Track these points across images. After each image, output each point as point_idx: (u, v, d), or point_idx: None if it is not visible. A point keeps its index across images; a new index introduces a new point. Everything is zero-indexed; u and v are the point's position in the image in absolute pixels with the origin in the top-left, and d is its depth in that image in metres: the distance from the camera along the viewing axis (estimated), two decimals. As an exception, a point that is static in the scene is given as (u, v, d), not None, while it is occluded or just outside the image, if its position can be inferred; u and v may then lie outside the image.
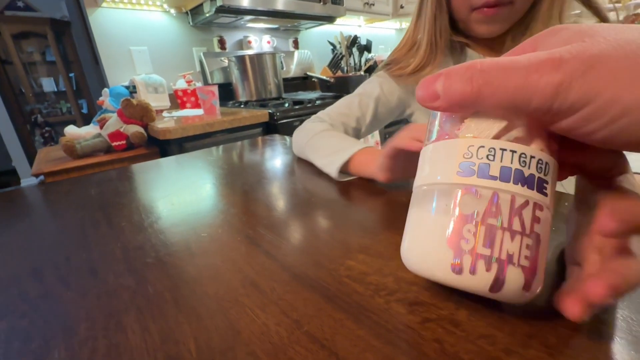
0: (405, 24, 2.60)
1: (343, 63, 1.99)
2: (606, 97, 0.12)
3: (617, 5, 1.89)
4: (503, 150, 0.15)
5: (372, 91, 0.56)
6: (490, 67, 0.14)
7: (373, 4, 1.99)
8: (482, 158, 0.16)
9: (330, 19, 1.77)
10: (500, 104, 0.14)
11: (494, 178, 0.15)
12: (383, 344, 0.17)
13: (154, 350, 0.17)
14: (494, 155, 0.15)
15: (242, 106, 1.45)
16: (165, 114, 1.32)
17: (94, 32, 1.32)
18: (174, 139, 1.01)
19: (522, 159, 0.15)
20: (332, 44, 2.07)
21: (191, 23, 1.53)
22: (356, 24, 2.32)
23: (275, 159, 0.56)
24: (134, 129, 1.05)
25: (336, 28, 2.12)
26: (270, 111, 1.23)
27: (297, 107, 1.31)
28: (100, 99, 1.26)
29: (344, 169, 0.40)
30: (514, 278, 0.15)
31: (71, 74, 2.79)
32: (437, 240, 0.16)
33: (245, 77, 1.48)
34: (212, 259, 0.25)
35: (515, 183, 0.15)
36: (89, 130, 1.13)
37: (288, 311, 0.19)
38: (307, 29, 2.01)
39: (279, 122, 1.22)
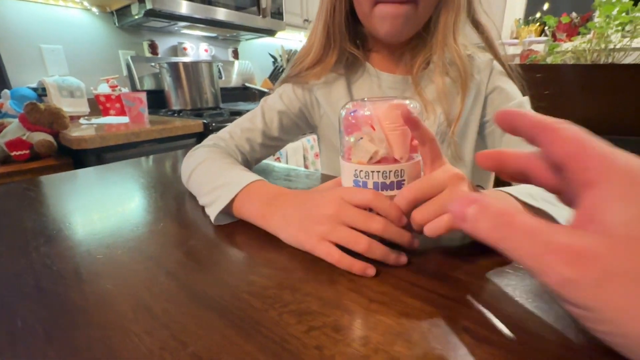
0: (345, 42, 2.74)
1: (284, 75, 2.02)
2: (610, 316, 0.12)
3: (512, 40, 2.23)
4: (372, 172, 0.25)
5: (274, 104, 0.54)
6: (519, 225, 0.14)
7: (312, 21, 2.07)
8: (363, 177, 0.26)
9: (270, 32, 1.79)
10: (510, 255, 0.15)
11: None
12: (268, 356, 0.17)
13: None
14: (368, 175, 0.25)
15: (175, 115, 1.38)
16: (83, 120, 1.19)
17: (-7, 25, 1.15)
18: (91, 149, 0.91)
19: (384, 174, 0.25)
20: (273, 56, 2.09)
21: (117, 24, 1.42)
22: (298, 38, 2.38)
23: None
24: (39, 137, 0.92)
25: (278, 41, 2.15)
26: (205, 121, 1.19)
27: (234, 117, 1.29)
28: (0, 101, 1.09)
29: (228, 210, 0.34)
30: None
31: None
32: None
33: (179, 84, 1.41)
34: (102, 284, 0.23)
35: (383, 190, 0.25)
36: (-19, 138, 0.97)
37: (177, 333, 0.19)
38: (247, 40, 2.00)
39: (214, 132, 1.19)
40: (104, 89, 1.31)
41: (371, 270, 0.23)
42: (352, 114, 0.26)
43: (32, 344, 0.18)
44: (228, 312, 0.20)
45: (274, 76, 1.98)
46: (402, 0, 0.41)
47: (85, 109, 1.26)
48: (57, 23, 1.28)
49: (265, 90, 1.64)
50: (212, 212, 0.33)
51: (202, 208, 0.36)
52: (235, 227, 0.33)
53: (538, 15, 2.30)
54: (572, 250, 0.13)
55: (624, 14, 1.71)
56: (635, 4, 1.85)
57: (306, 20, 2.02)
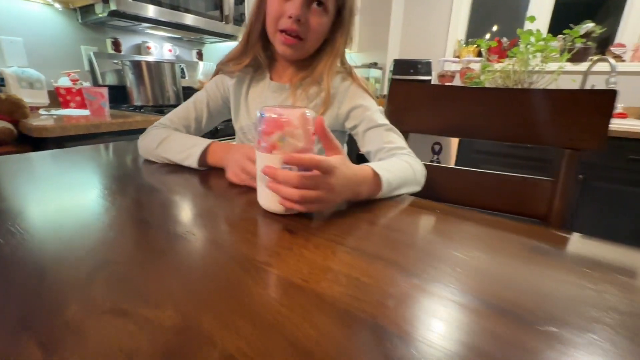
0: (309, 50, 2.91)
1: (247, 79, 2.13)
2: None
3: (454, 58, 2.49)
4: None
5: (202, 96, 0.71)
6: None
7: (276, 30, 2.21)
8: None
9: (233, 37, 1.90)
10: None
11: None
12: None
13: None
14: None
15: (137, 110, 1.45)
16: (42, 111, 1.23)
17: (-51, 14, 1.16)
18: (51, 138, 0.98)
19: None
20: (237, 59, 2.20)
21: (80, 21, 1.47)
22: (262, 44, 2.50)
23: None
24: (0, 124, 0.98)
25: (242, 46, 2.26)
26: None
27: (194, 115, 1.39)
28: (-46, 89, 1.11)
29: (202, 162, 0.54)
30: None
31: None
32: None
33: (141, 82, 1.49)
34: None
35: (301, 170, 0.37)
36: (-64, 123, 1.00)
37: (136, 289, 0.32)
38: (211, 42, 2.09)
39: (174, 128, 1.28)
40: (64, 82, 1.35)
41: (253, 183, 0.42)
42: (272, 116, 0.37)
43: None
44: (179, 259, 0.34)
45: (237, 78, 2.09)
46: (293, 37, 0.58)
47: (45, 100, 1.30)
48: (17, 16, 1.31)
49: (227, 91, 1.74)
50: (192, 161, 0.55)
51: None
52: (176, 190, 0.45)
53: (488, 36, 2.62)
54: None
55: (540, 43, 2.02)
56: (554, 34, 2.18)
57: (269, 28, 2.16)
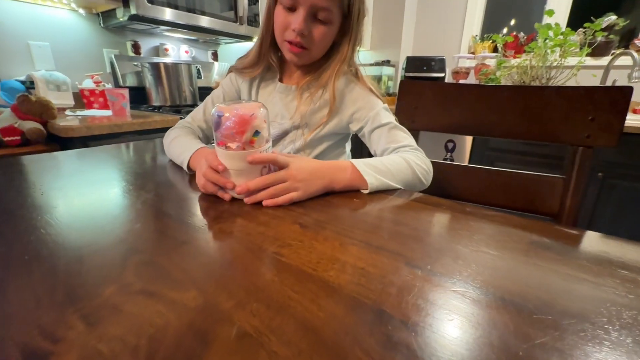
0: (321, 48, 2.92)
1: (260, 78, 2.17)
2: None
3: (469, 54, 2.45)
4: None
5: (219, 92, 0.76)
6: None
7: (288, 29, 2.23)
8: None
9: (247, 38, 1.94)
10: None
11: None
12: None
13: None
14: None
15: (155, 111, 1.50)
16: (68, 112, 1.30)
17: (-16, 22, 1.24)
18: (77, 137, 1.04)
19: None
20: (251, 59, 2.24)
21: (102, 25, 1.54)
22: (275, 43, 2.53)
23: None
24: (30, 125, 1.04)
25: (255, 45, 2.30)
26: (182, 117, 1.33)
27: (210, 115, 1.43)
28: (-11, 92, 1.19)
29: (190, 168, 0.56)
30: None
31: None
32: None
33: (160, 83, 1.54)
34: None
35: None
36: (-26, 124, 1.07)
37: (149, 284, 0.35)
38: (226, 43, 2.14)
39: (190, 127, 1.33)
40: (88, 84, 1.42)
41: (224, 195, 0.45)
42: (243, 114, 0.40)
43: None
44: (207, 262, 0.37)
45: (251, 78, 2.13)
46: (298, 47, 0.60)
47: (71, 101, 1.37)
48: (45, 22, 1.38)
49: (241, 91, 1.78)
50: (185, 167, 0.56)
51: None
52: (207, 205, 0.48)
53: (505, 30, 2.57)
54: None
55: (559, 37, 1.97)
56: (574, 28, 2.12)
57: (282, 27, 2.18)
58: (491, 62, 2.39)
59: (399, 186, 0.52)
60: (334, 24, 0.60)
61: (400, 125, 0.64)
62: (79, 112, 1.30)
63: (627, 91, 0.60)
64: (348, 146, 0.78)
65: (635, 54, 1.70)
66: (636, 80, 1.66)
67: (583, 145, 0.65)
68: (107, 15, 1.49)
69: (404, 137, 0.62)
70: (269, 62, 0.69)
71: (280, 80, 0.71)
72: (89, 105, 1.41)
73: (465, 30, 2.54)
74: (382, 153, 0.62)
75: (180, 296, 0.25)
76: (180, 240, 0.34)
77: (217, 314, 0.23)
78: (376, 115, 0.64)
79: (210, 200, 0.45)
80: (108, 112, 1.31)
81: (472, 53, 2.55)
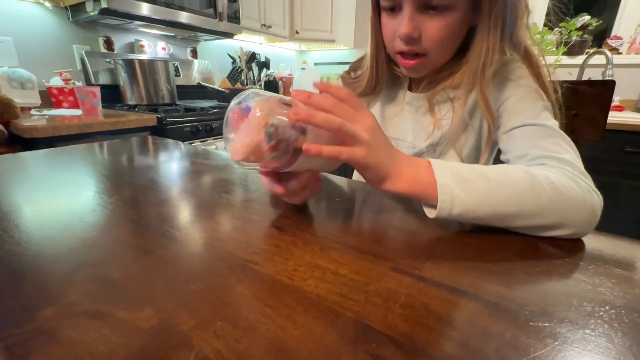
0: (305, 46, 2.89)
1: (243, 76, 2.12)
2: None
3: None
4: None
5: None
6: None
7: (270, 27, 2.19)
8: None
9: (228, 35, 1.89)
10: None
11: None
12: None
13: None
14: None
15: (130, 110, 1.43)
16: (34, 112, 1.22)
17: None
18: (42, 138, 0.97)
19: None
20: (232, 57, 2.19)
21: (71, 19, 1.45)
22: (258, 41, 2.49)
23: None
24: (-10, 125, 0.96)
25: (237, 42, 2.24)
26: (159, 116, 1.27)
27: (189, 113, 1.38)
28: (-57, 90, 1.10)
29: None
30: None
31: None
32: None
33: (135, 81, 1.47)
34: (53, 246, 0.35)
35: None
36: None
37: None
38: (206, 40, 2.07)
39: (168, 127, 1.27)
40: (56, 82, 1.34)
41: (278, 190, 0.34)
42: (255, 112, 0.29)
43: (9, 236, 0.29)
44: (181, 267, 0.33)
45: (233, 76, 2.08)
46: (411, 57, 0.47)
47: (37, 100, 1.28)
48: (6, 15, 1.29)
49: (222, 89, 1.73)
50: None
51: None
52: (185, 200, 0.44)
53: None
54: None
55: (537, 36, 2.01)
56: (551, 28, 2.17)
57: (264, 25, 2.14)
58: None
59: (507, 226, 0.33)
60: (458, 7, 0.42)
61: (564, 134, 0.41)
62: (46, 112, 1.22)
63: (611, 85, 0.60)
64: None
65: (609, 53, 1.75)
66: (609, 78, 1.71)
67: (567, 140, 0.65)
68: (76, 9, 1.41)
69: (564, 148, 0.39)
70: (391, 77, 0.56)
71: (409, 88, 0.57)
72: (58, 105, 1.33)
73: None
74: (515, 160, 0.42)
75: (132, 316, 0.21)
76: (142, 250, 0.30)
77: (173, 337, 0.20)
78: (525, 110, 0.43)
79: (182, 204, 0.41)
80: (78, 112, 1.23)
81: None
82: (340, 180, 0.51)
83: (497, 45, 0.44)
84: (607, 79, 1.72)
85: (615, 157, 1.49)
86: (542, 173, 0.34)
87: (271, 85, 2.40)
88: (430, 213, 0.33)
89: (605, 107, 0.60)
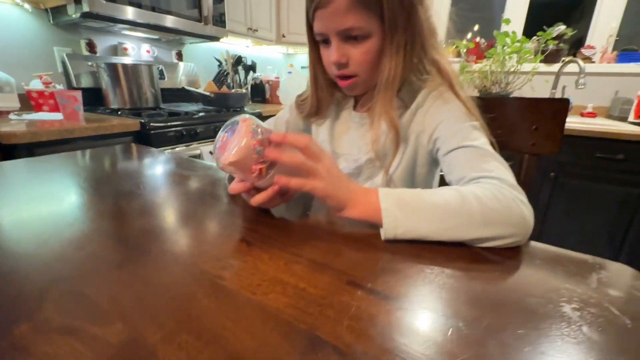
0: (292, 49, 2.91)
1: (229, 79, 2.12)
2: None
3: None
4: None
5: (284, 115, 0.71)
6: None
7: (256, 30, 2.20)
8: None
9: (213, 38, 1.89)
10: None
11: None
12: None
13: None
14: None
15: (113, 113, 1.42)
16: (12, 116, 1.20)
17: None
18: (22, 144, 0.96)
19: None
20: (218, 60, 2.19)
21: (52, 21, 1.43)
22: (244, 44, 2.49)
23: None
24: (-34, 131, 0.95)
25: (223, 45, 2.24)
26: (142, 121, 1.27)
27: (173, 117, 1.38)
28: None
29: None
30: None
31: None
32: None
33: (118, 84, 1.46)
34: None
35: None
36: None
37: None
38: (191, 43, 2.07)
39: (151, 132, 1.27)
40: (36, 85, 1.32)
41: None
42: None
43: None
44: (167, 289, 0.34)
45: (218, 79, 2.08)
46: (346, 79, 0.54)
47: (15, 104, 1.26)
48: (-16, 16, 1.27)
49: (207, 93, 1.73)
50: None
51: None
52: (168, 215, 0.46)
53: (469, 35, 2.67)
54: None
55: (516, 44, 2.08)
56: (529, 36, 2.24)
57: (250, 28, 2.15)
58: (456, 67, 2.49)
59: (449, 239, 0.37)
60: (374, 35, 0.49)
61: (490, 150, 0.46)
62: (25, 116, 1.20)
63: (566, 102, 0.64)
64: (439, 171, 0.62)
65: (581, 62, 1.84)
66: (582, 87, 1.79)
67: (529, 153, 0.69)
68: (57, 11, 1.39)
69: (494, 165, 0.43)
70: (336, 99, 0.64)
71: (355, 107, 0.63)
72: (38, 108, 1.31)
73: (430, 36, 2.63)
74: (457, 184, 0.47)
75: (103, 331, 0.23)
76: (115, 264, 0.32)
77: (141, 350, 0.22)
78: (458, 133, 0.48)
79: (158, 217, 0.43)
80: (59, 116, 1.22)
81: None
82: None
83: (400, 66, 0.50)
84: (578, 88, 1.80)
85: (587, 162, 1.56)
86: (469, 189, 0.39)
87: (258, 89, 2.41)
88: (382, 234, 0.38)
89: (562, 122, 0.65)
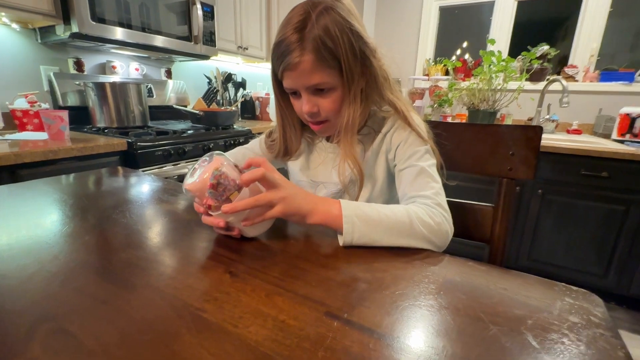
0: (281, 67, 2.96)
1: (218, 96, 2.15)
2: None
3: (423, 76, 2.62)
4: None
5: (254, 146, 0.75)
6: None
7: (247, 48, 2.24)
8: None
9: (204, 57, 1.92)
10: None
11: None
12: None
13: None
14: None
15: (99, 132, 1.42)
16: (-5, 135, 1.19)
17: None
18: (4, 166, 0.95)
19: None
20: (208, 77, 2.21)
21: (39, 41, 1.44)
22: (235, 61, 2.53)
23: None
24: (-53, 152, 0.93)
25: (213, 63, 2.28)
26: (129, 140, 1.27)
27: (160, 137, 1.38)
28: None
29: None
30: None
31: None
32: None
33: (105, 103, 1.46)
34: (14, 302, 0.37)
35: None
36: None
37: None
38: (181, 61, 2.09)
39: (138, 151, 1.27)
40: (21, 104, 1.31)
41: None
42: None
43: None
44: (148, 323, 0.35)
45: (208, 97, 2.10)
46: (318, 124, 0.61)
47: (-1, 123, 1.25)
48: (-30, 36, 1.26)
49: (196, 112, 1.74)
50: None
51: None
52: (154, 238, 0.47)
53: (459, 52, 2.78)
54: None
55: (502, 63, 2.17)
56: (515, 55, 2.34)
57: (240, 47, 2.19)
58: (444, 84, 2.58)
59: (392, 244, 0.46)
60: (338, 87, 0.56)
61: (432, 172, 0.57)
62: (8, 136, 1.19)
63: (539, 130, 0.69)
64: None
65: (564, 82, 1.92)
66: (566, 105, 1.87)
67: (506, 177, 0.73)
68: (46, 30, 1.39)
69: (431, 186, 0.55)
70: (307, 135, 0.69)
71: (329, 139, 0.69)
72: (22, 127, 1.30)
73: (419, 53, 2.73)
74: (401, 200, 0.58)
75: (87, 371, 0.24)
76: (99, 300, 0.33)
77: (124, 389, 0.23)
78: (411, 156, 0.59)
79: (144, 248, 0.44)
80: (44, 135, 1.21)
81: (427, 75, 2.74)
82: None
83: (358, 111, 0.58)
84: (562, 107, 1.88)
85: (572, 180, 1.62)
86: (412, 209, 0.50)
87: (248, 105, 2.44)
88: (340, 240, 0.46)
89: (535, 149, 0.69)
